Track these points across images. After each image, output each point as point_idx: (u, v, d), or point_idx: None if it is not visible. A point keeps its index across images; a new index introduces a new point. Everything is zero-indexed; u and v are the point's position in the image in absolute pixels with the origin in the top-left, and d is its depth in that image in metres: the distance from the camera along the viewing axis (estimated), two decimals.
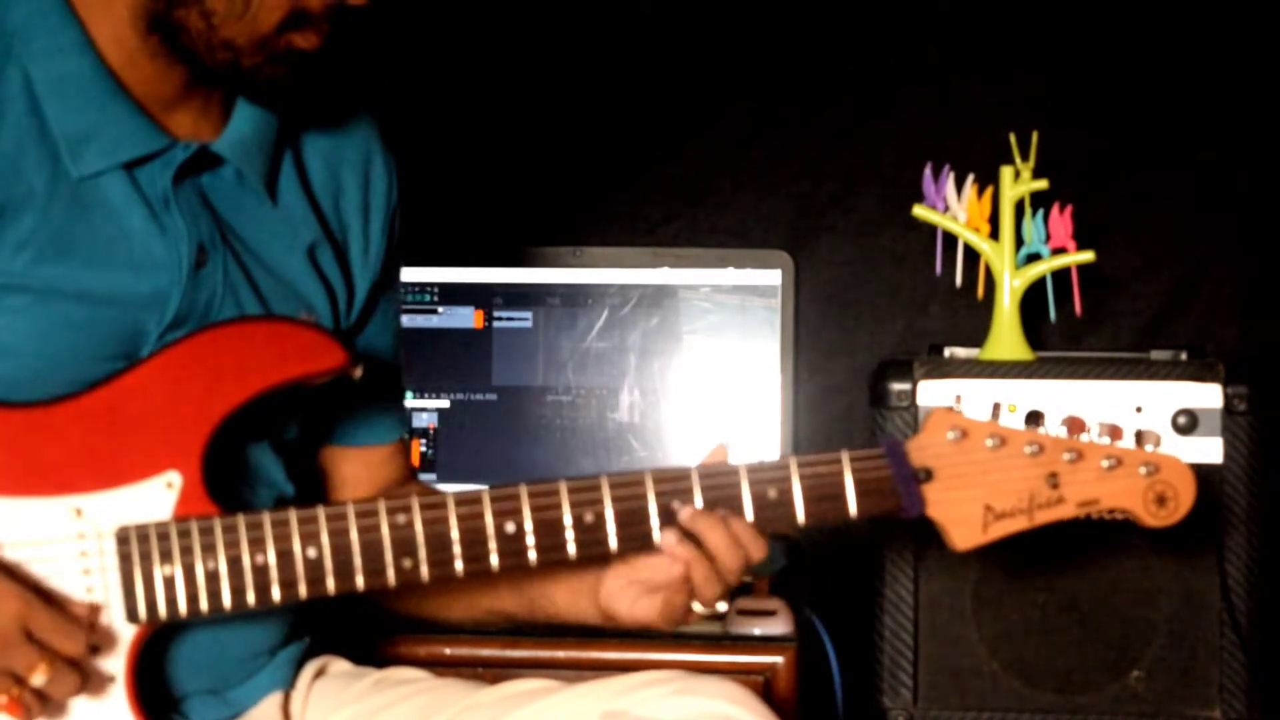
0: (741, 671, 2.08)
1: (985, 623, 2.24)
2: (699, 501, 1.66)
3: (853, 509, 1.67)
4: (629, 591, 1.72)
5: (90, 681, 1.57)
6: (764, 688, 2.09)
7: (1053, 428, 1.68)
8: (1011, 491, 1.68)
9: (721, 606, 1.72)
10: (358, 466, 1.94)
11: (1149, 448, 1.68)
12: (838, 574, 2.48)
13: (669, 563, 1.68)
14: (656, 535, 1.66)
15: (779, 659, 2.12)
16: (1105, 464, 1.68)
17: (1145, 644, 2.22)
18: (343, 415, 1.91)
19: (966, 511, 1.68)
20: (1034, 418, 1.70)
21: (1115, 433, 1.68)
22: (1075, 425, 1.68)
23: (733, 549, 1.67)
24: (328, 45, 1.67)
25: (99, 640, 1.58)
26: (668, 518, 1.67)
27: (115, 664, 1.59)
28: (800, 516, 1.67)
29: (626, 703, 1.69)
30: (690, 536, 1.67)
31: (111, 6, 1.66)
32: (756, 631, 2.16)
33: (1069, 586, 2.23)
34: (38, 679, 1.52)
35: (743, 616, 2.17)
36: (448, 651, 2.13)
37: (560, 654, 2.13)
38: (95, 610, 1.58)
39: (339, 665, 1.88)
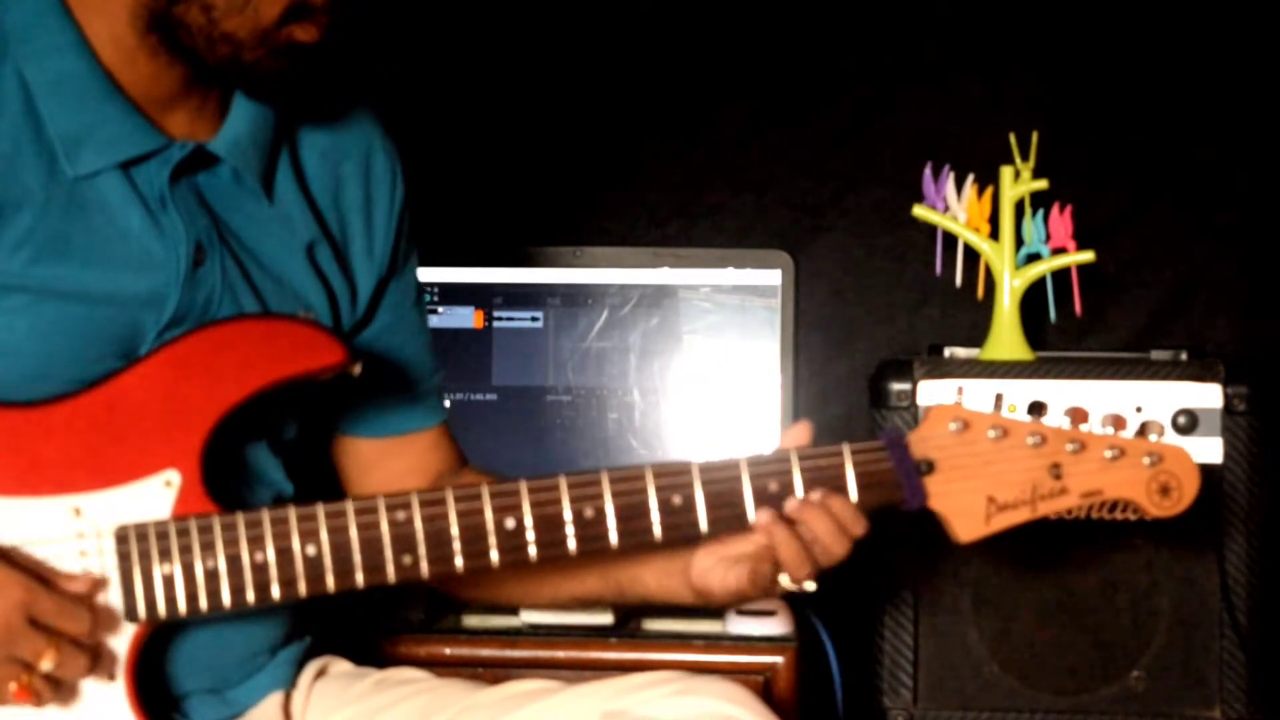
0: (741, 671, 2.08)
1: (985, 623, 2.24)
2: (700, 496, 1.66)
3: (854, 501, 1.67)
4: (718, 568, 1.72)
5: (99, 661, 1.57)
6: (764, 688, 2.09)
7: (1055, 419, 1.67)
8: (1014, 483, 1.67)
9: (810, 585, 1.71)
10: (407, 456, 1.93)
11: (1152, 438, 1.68)
12: (838, 574, 2.47)
13: (754, 535, 1.68)
14: (658, 530, 1.66)
15: (779, 659, 2.12)
16: (1108, 454, 1.67)
17: (1145, 644, 2.22)
18: (377, 406, 1.90)
19: (969, 503, 1.67)
20: (1036, 409, 1.69)
21: (1118, 423, 1.68)
22: (1078, 416, 1.67)
23: (837, 535, 1.67)
24: (327, 38, 1.66)
25: (100, 615, 1.57)
26: (762, 499, 1.67)
27: (115, 663, 1.59)
28: None
29: (626, 703, 1.69)
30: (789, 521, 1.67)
31: (109, 5, 1.66)
32: (756, 631, 2.16)
33: (1069, 586, 2.23)
34: (46, 664, 1.52)
35: (743, 616, 2.17)
36: (448, 651, 2.13)
37: (560, 654, 2.13)
38: (96, 585, 1.57)
39: (340, 665, 1.88)
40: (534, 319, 2.54)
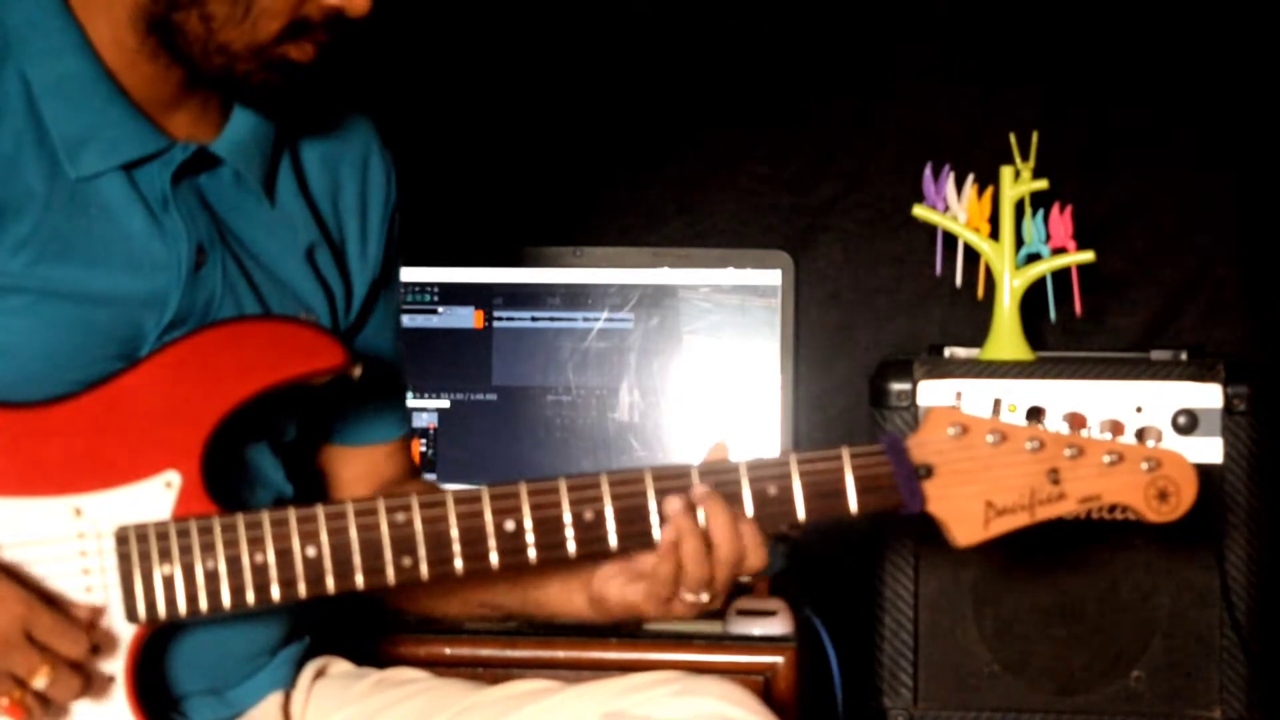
0: (741, 671, 2.08)
1: (985, 623, 2.24)
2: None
3: (853, 506, 1.67)
4: (620, 577, 1.72)
5: (92, 684, 1.57)
6: (764, 688, 2.09)
7: (1054, 424, 1.67)
8: (1013, 487, 1.67)
9: (705, 597, 1.69)
10: (361, 465, 1.93)
11: (1150, 443, 1.68)
12: (838, 574, 2.48)
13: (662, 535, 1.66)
14: (657, 533, 1.66)
15: (779, 659, 2.12)
16: (1107, 460, 1.67)
17: (1145, 644, 2.22)
18: (344, 415, 1.90)
19: (968, 508, 1.67)
20: (1035, 414, 1.69)
21: (1116, 428, 1.68)
22: (1076, 421, 1.67)
23: (732, 538, 1.65)
24: (322, 56, 1.67)
25: (99, 641, 1.57)
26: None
27: (115, 664, 1.59)
28: (800, 513, 1.66)
29: (626, 703, 1.69)
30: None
31: (111, 8, 1.66)
32: (756, 631, 2.16)
33: (1069, 586, 2.23)
34: (39, 681, 1.52)
35: (743, 616, 2.17)
36: (448, 651, 2.13)
37: (560, 654, 2.13)
38: (97, 612, 1.58)
39: (339, 665, 1.88)
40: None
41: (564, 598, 1.79)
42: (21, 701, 1.52)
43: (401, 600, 1.91)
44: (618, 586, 1.73)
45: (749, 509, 1.67)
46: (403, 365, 1.99)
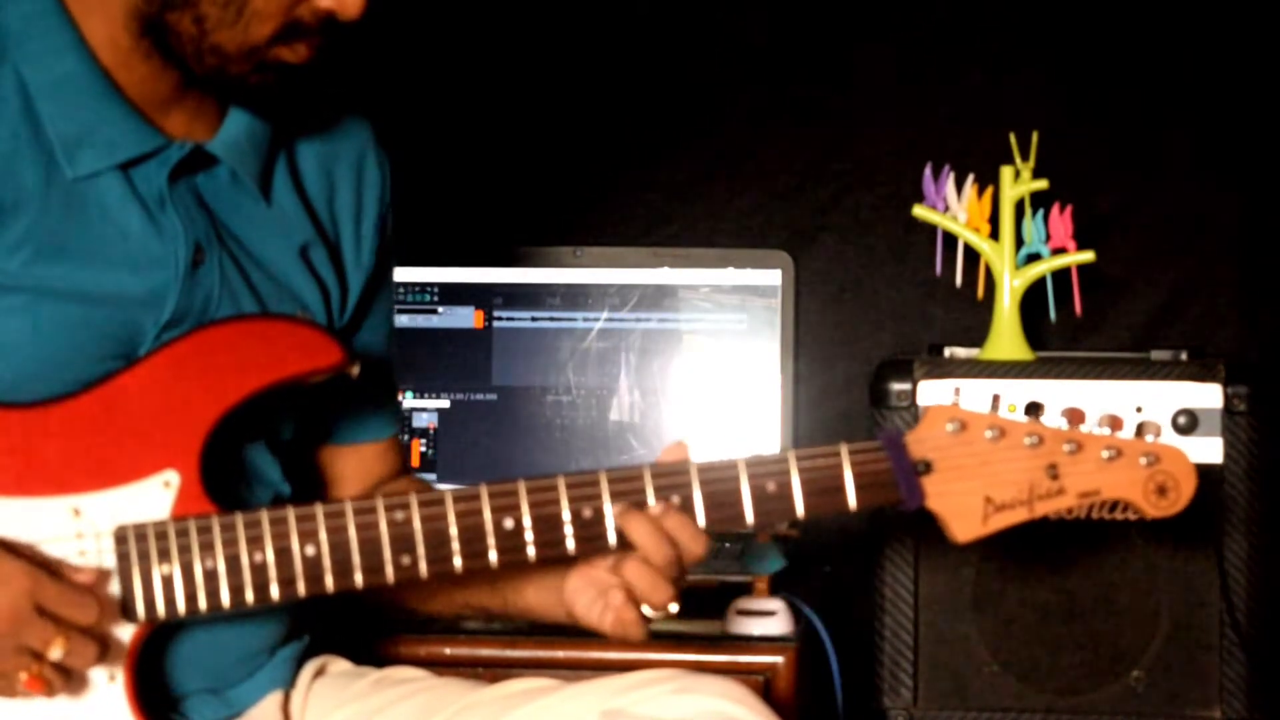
0: (741, 671, 2.08)
1: (985, 623, 2.24)
2: (698, 496, 1.66)
3: (852, 502, 1.66)
4: (587, 591, 1.71)
5: (109, 648, 1.57)
6: (764, 688, 2.09)
7: (1052, 419, 1.67)
8: (1011, 483, 1.67)
9: (673, 607, 1.68)
10: (351, 463, 1.93)
11: (1149, 438, 1.68)
12: (838, 574, 2.48)
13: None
14: None
15: (779, 659, 2.12)
16: (1105, 455, 1.67)
17: (1145, 644, 2.22)
18: (337, 414, 1.90)
19: (966, 503, 1.67)
20: (1034, 408, 1.69)
21: (1115, 424, 1.68)
22: (1075, 416, 1.67)
23: (659, 544, 1.63)
24: (316, 57, 1.66)
25: (107, 610, 1.57)
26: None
27: (115, 663, 1.59)
28: (799, 510, 1.66)
29: (625, 702, 1.69)
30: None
31: (106, 8, 1.66)
32: (756, 631, 2.16)
33: (1069, 586, 2.23)
34: (55, 652, 1.52)
35: (743, 616, 2.17)
36: (448, 651, 2.13)
37: (560, 654, 2.13)
38: (100, 575, 1.57)
39: (339, 665, 1.88)
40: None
41: (542, 601, 1.78)
42: (40, 674, 1.52)
43: (385, 598, 1.91)
44: (583, 604, 1.71)
45: (748, 506, 1.66)
46: (394, 366, 1.99)
